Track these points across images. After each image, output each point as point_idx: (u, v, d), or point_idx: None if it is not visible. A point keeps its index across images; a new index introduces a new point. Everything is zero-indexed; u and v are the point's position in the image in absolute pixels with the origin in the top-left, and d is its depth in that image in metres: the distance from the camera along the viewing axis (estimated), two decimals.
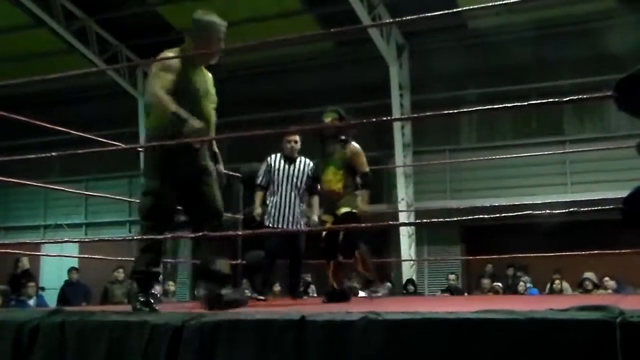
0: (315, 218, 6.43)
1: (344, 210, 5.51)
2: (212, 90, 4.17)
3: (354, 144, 5.67)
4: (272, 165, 6.40)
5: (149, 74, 3.98)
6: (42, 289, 12.06)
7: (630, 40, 10.31)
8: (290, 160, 6.40)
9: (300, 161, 6.43)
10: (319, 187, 6.44)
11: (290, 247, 6.38)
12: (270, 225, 6.28)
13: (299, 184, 6.34)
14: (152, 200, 3.91)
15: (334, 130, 5.58)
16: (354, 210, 5.51)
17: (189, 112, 3.79)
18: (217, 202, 4.02)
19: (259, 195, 6.41)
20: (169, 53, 4.03)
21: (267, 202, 6.38)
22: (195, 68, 4.06)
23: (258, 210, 6.35)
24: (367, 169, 5.66)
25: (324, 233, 5.59)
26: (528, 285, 11.22)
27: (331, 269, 5.57)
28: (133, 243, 15.53)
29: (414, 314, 2.58)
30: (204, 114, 3.95)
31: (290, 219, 6.30)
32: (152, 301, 3.79)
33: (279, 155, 6.46)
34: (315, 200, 6.49)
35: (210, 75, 4.21)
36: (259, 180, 6.43)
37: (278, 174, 6.35)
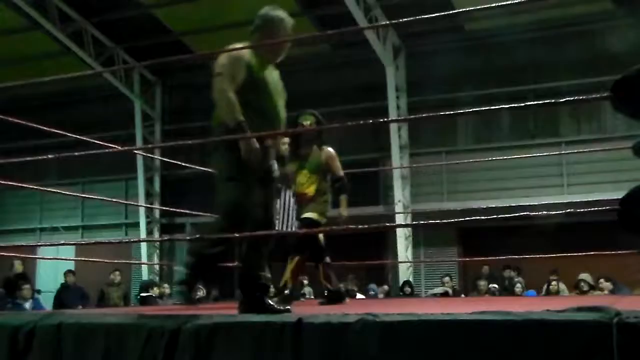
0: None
1: (305, 215, 5.52)
2: (281, 86, 4.03)
3: (329, 148, 5.66)
4: None
5: (216, 67, 3.75)
6: (38, 291, 12.02)
7: (627, 42, 10.33)
8: (282, 162, 6.44)
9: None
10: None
11: (282, 247, 6.41)
12: None
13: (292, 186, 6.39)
14: (236, 198, 3.67)
15: (311, 134, 5.56)
16: (315, 219, 5.51)
17: (260, 108, 3.70)
18: (272, 215, 3.93)
19: None
20: (237, 45, 3.81)
21: None
22: (265, 64, 3.89)
23: None
24: (341, 173, 5.63)
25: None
26: (519, 286, 11.22)
27: (321, 272, 5.57)
28: (129, 245, 15.57)
29: (411, 315, 2.58)
30: (275, 109, 3.83)
31: (284, 220, 6.33)
32: (195, 295, 3.68)
33: None
34: None
35: (277, 71, 4.06)
36: None
37: None
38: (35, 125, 5.49)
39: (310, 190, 5.55)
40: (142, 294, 10.94)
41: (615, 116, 11.82)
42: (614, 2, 12.14)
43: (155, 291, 11.34)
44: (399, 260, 12.91)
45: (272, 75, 3.95)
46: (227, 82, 3.66)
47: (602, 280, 10.70)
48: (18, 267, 11.11)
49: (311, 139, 5.62)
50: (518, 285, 11.11)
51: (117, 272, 11.45)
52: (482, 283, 11.47)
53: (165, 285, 13.03)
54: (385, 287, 12.39)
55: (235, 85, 3.66)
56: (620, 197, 2.67)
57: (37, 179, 14.37)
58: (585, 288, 10.44)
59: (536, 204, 10.29)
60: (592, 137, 12.61)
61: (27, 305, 9.97)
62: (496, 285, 11.28)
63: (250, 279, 3.70)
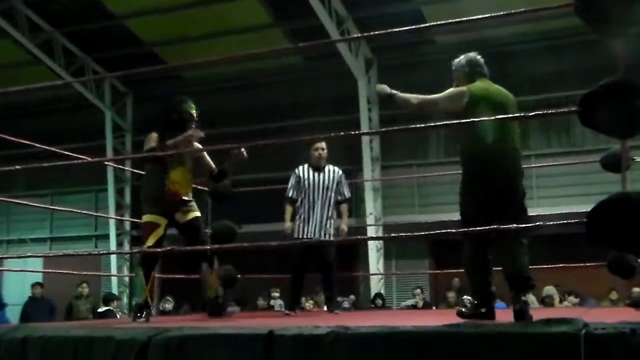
0: (344, 227, 6.28)
1: (196, 214, 5.13)
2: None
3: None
4: (302, 176, 6.29)
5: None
6: (4, 305, 11.81)
7: (596, 57, 10.49)
8: (318, 169, 6.30)
9: (329, 169, 6.34)
10: (348, 194, 6.38)
11: (318, 258, 6.26)
12: (299, 236, 6.15)
13: (329, 192, 6.24)
14: None
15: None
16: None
17: None
18: None
19: (289, 210, 6.28)
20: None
21: (297, 214, 6.25)
22: None
23: (288, 224, 6.23)
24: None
25: (154, 240, 4.93)
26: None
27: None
28: (99, 257, 15.38)
29: (382, 327, 2.58)
30: None
31: (318, 229, 6.16)
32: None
33: (306, 165, 6.36)
34: (344, 208, 6.39)
35: None
36: (290, 194, 6.30)
37: (308, 184, 6.23)
38: (3, 136, 5.42)
39: (186, 191, 5.15)
40: (99, 310, 10.74)
41: (584, 130, 11.98)
42: (581, 18, 12.32)
43: (114, 304, 11.16)
44: (371, 272, 12.92)
45: None
46: None
47: (567, 296, 10.81)
48: None
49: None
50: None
51: (85, 285, 11.25)
52: (451, 295, 11.50)
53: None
54: (352, 296, 12.35)
55: None
56: (588, 209, 2.71)
57: (5, 190, 14.16)
58: (551, 301, 10.48)
59: None
60: (561, 150, 12.77)
61: None
62: (469, 298, 11.31)
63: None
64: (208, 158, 5.31)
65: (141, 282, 4.87)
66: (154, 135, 5.07)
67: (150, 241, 4.90)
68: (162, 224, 5.00)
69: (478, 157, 4.03)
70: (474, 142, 4.01)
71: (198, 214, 5.15)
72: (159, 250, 4.82)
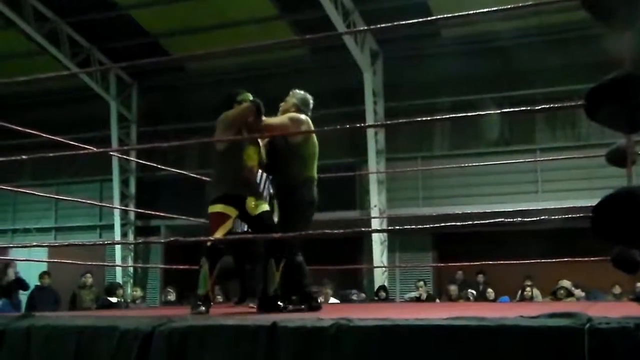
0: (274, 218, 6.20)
1: (266, 207, 4.99)
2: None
3: None
4: None
5: None
6: (27, 286, 11.85)
7: (602, 51, 10.45)
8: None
9: None
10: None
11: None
12: (234, 230, 6.14)
13: None
14: None
15: None
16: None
17: None
18: None
19: None
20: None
21: None
22: None
23: None
24: None
25: (222, 234, 4.74)
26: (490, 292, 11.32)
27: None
28: (103, 248, 15.42)
29: (385, 320, 2.58)
30: None
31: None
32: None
33: None
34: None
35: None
36: None
37: None
38: (9, 126, 5.43)
39: (257, 172, 5.15)
40: (103, 298, 10.70)
41: (589, 124, 11.94)
42: (588, 11, 12.25)
43: (119, 294, 11.16)
44: (375, 264, 12.93)
45: None
46: None
47: (574, 289, 10.79)
48: (10, 274, 11.15)
49: None
50: (489, 291, 11.18)
51: (89, 275, 11.29)
52: (453, 288, 11.50)
53: (136, 288, 12.93)
54: (363, 295, 12.27)
55: None
56: (593, 204, 2.70)
57: (11, 180, 14.19)
58: (563, 295, 10.44)
59: (511, 210, 10.35)
60: (567, 145, 12.73)
61: None
62: (473, 291, 11.31)
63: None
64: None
65: (205, 274, 4.65)
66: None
67: (219, 234, 4.69)
68: (232, 215, 4.79)
69: (309, 182, 4.89)
70: (302, 168, 4.87)
71: (268, 207, 5.01)
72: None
